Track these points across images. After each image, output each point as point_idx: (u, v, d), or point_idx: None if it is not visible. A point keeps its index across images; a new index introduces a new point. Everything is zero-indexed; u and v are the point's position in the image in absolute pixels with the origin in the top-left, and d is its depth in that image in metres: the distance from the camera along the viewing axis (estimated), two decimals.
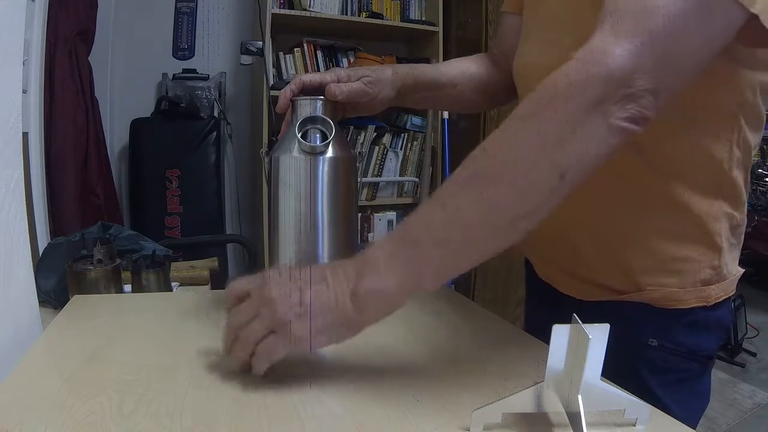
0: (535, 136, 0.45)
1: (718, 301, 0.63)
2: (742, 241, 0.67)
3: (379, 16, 2.37)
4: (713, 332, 0.64)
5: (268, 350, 0.49)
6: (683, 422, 0.63)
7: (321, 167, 0.64)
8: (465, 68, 0.83)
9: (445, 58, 2.45)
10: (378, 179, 2.42)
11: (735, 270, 0.65)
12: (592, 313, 0.68)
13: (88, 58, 2.01)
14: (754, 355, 2.58)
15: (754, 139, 0.60)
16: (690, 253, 0.61)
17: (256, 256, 1.73)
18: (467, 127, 2.51)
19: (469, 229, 0.47)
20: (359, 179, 0.71)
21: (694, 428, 0.65)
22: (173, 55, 2.51)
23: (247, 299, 0.51)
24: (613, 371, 0.61)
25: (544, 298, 0.77)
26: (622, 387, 0.53)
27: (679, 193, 0.59)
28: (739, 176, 0.61)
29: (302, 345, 0.49)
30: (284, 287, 0.49)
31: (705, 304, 0.62)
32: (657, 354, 0.64)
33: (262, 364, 0.50)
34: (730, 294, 0.65)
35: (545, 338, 0.63)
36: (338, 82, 0.69)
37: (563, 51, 0.63)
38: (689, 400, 0.66)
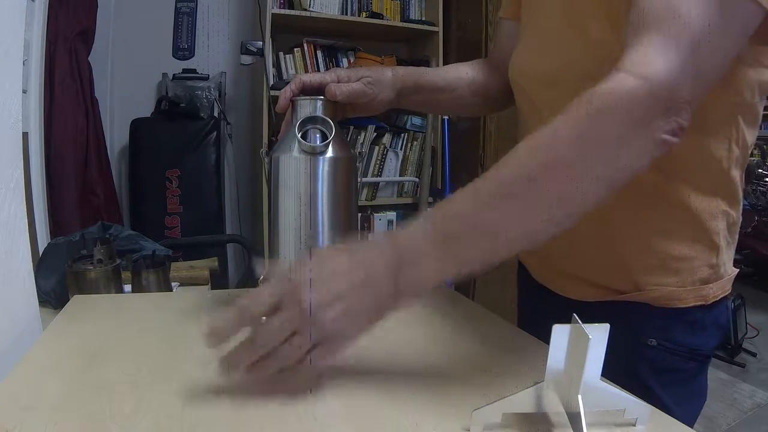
0: (583, 151, 0.45)
1: (716, 299, 0.63)
2: (737, 240, 0.68)
3: (379, 16, 2.37)
4: (711, 331, 0.64)
5: (320, 359, 0.47)
6: (682, 421, 0.64)
7: (321, 167, 0.64)
8: (464, 73, 0.84)
9: (445, 58, 2.45)
10: (378, 179, 2.42)
11: (731, 269, 0.66)
12: (590, 313, 0.68)
13: (88, 58, 2.01)
14: (754, 355, 2.58)
15: (751, 137, 0.61)
16: (689, 252, 0.62)
17: (256, 256, 1.73)
18: (467, 127, 2.51)
19: (509, 230, 0.47)
20: (359, 179, 0.71)
21: (692, 427, 0.66)
22: (173, 55, 2.51)
23: (280, 312, 0.46)
24: (612, 371, 0.61)
25: (538, 300, 0.77)
26: (621, 387, 0.53)
27: (679, 191, 0.60)
28: (737, 175, 0.62)
29: (346, 352, 0.48)
30: (323, 295, 0.45)
31: (704, 303, 0.63)
32: (656, 354, 0.64)
33: (309, 382, 0.48)
34: (727, 293, 0.65)
35: (542, 340, 0.63)
36: (338, 82, 0.69)
37: (561, 59, 0.63)
38: (688, 400, 0.67)
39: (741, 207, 0.65)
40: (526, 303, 0.86)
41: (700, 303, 0.62)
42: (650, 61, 0.44)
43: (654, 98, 0.44)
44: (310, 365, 0.47)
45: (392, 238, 0.48)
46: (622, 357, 0.65)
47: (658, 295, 0.62)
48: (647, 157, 0.46)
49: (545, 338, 0.67)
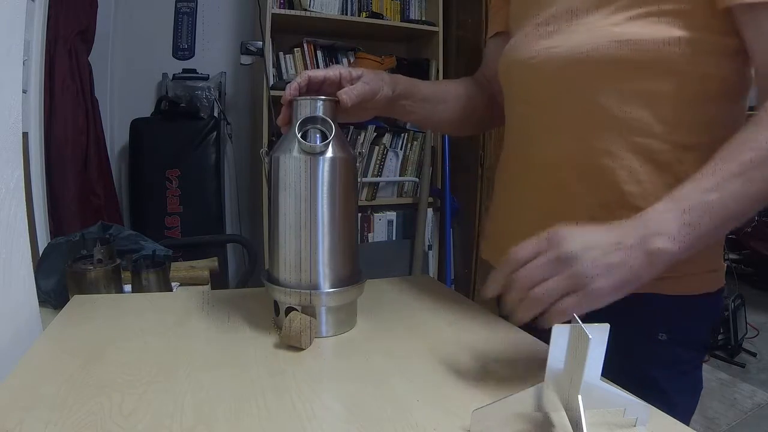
0: None
1: (719, 287, 0.67)
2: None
3: (379, 16, 2.37)
4: (710, 320, 0.68)
5: (568, 309, 0.49)
6: (685, 411, 0.65)
7: (321, 167, 0.64)
8: (452, 87, 0.86)
9: (445, 58, 2.45)
10: (378, 179, 2.42)
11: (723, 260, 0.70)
12: (596, 309, 0.68)
13: (88, 58, 2.01)
14: (754, 355, 2.58)
15: None
16: None
17: (256, 256, 1.73)
18: None
19: (747, 212, 0.52)
20: (359, 179, 0.71)
21: (692, 414, 0.67)
22: (173, 55, 2.51)
23: (539, 258, 0.51)
24: (620, 366, 0.61)
25: None
26: (627, 382, 0.53)
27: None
28: None
29: (600, 302, 0.50)
30: (583, 246, 0.50)
31: (711, 290, 0.66)
32: (665, 348, 0.65)
33: (558, 320, 0.49)
34: (724, 283, 0.68)
35: (543, 340, 0.63)
36: (340, 79, 0.69)
37: (570, 52, 0.64)
38: (690, 389, 0.69)
39: None
40: None
41: (707, 291, 0.65)
42: None
43: None
44: (563, 307, 0.49)
45: (640, 217, 0.52)
46: (629, 353, 0.66)
47: (674, 283, 0.64)
48: None
49: (546, 338, 0.67)
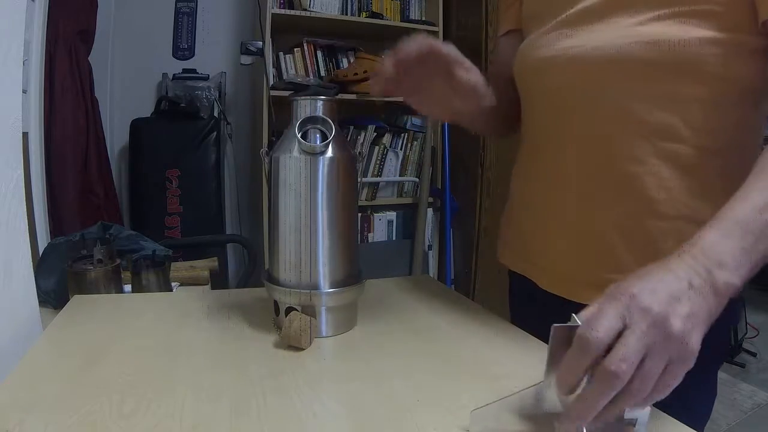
0: None
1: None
2: None
3: (379, 16, 2.37)
4: (732, 323, 0.66)
5: (673, 381, 0.41)
6: (704, 416, 0.63)
7: (321, 167, 0.64)
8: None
9: None
10: (378, 179, 2.42)
11: None
12: None
13: (88, 58, 2.01)
14: (754, 355, 2.57)
15: None
16: None
17: (256, 256, 1.73)
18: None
19: None
20: (359, 179, 0.71)
21: (707, 421, 0.65)
22: (173, 55, 2.51)
23: (628, 333, 0.40)
24: None
25: (546, 310, 0.75)
26: None
27: (703, 202, 0.61)
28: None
29: (694, 359, 0.42)
30: (667, 299, 0.41)
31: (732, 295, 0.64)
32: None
33: (665, 394, 0.42)
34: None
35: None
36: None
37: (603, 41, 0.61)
38: (708, 396, 0.67)
39: None
40: (530, 314, 0.84)
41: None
42: None
43: None
44: (668, 382, 0.41)
45: (697, 246, 0.46)
46: None
47: None
48: None
49: (545, 339, 0.66)
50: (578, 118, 0.66)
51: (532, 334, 0.67)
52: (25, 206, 0.75)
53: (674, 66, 0.57)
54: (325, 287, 0.65)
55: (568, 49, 0.65)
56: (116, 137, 2.39)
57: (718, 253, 0.45)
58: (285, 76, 2.28)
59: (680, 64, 0.57)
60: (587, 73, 0.61)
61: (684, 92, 0.59)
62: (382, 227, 2.49)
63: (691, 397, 0.63)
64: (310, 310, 0.65)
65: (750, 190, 0.48)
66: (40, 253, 1.08)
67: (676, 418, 0.48)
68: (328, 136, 0.64)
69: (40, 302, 0.81)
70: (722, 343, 0.65)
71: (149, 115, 2.30)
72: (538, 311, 0.77)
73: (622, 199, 0.63)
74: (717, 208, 0.61)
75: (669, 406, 0.48)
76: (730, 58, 0.57)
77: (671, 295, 0.41)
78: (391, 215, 2.50)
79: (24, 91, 1.44)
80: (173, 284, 1.13)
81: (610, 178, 0.64)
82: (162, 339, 0.63)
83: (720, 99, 0.59)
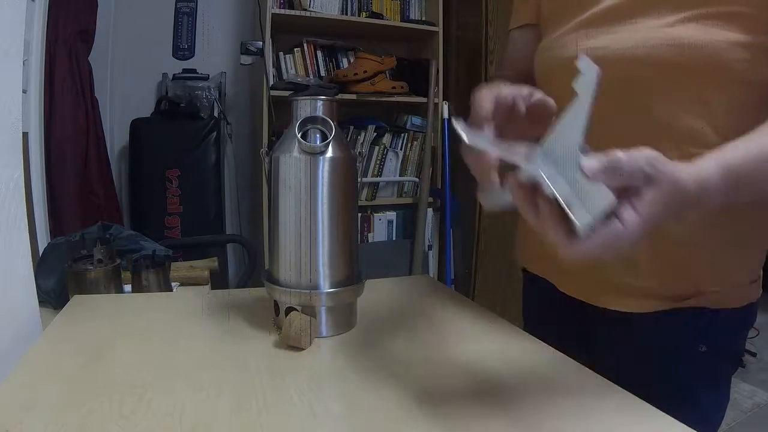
0: None
1: (758, 296, 0.65)
2: None
3: (379, 16, 2.37)
4: (747, 330, 0.66)
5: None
6: (714, 424, 0.64)
7: (321, 167, 0.64)
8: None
9: (445, 58, 2.45)
10: (378, 179, 2.42)
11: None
12: (628, 323, 0.66)
13: (88, 58, 2.01)
14: (754, 355, 2.58)
15: None
16: (747, 254, 0.64)
17: (256, 256, 1.73)
18: None
19: None
20: (359, 179, 0.71)
21: (719, 426, 0.66)
22: (173, 55, 2.51)
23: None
24: (662, 379, 0.60)
25: (567, 315, 0.75)
26: (664, 391, 0.52)
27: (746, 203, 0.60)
28: None
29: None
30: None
31: (753, 300, 0.64)
32: (706, 359, 0.64)
33: None
34: (761, 292, 0.66)
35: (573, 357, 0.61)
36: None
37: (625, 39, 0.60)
38: (722, 403, 0.67)
39: None
40: (538, 314, 0.84)
41: (749, 302, 0.64)
42: None
43: None
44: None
45: (701, 186, 0.46)
46: (671, 366, 0.64)
47: (719, 297, 0.62)
48: None
49: (544, 339, 0.66)
50: (602, 121, 0.65)
51: (546, 334, 0.67)
52: (25, 206, 0.75)
53: (700, 69, 0.56)
54: (325, 287, 0.65)
55: (592, 50, 0.63)
56: (116, 137, 2.39)
57: (708, 198, 0.46)
58: (285, 76, 2.28)
59: (706, 67, 0.56)
60: (611, 75, 0.60)
61: (710, 96, 0.57)
62: (382, 227, 2.49)
63: (704, 405, 0.63)
64: (310, 310, 0.65)
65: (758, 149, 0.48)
66: (40, 253, 1.08)
67: (689, 426, 0.47)
68: (328, 136, 0.64)
69: (40, 302, 0.81)
70: (737, 351, 0.66)
71: (149, 115, 2.30)
72: (557, 314, 0.77)
73: None
74: (740, 215, 0.61)
75: (684, 413, 0.48)
76: (758, 62, 0.55)
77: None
78: (391, 215, 2.50)
79: (24, 91, 1.44)
80: (173, 284, 1.13)
81: None
82: (162, 339, 0.63)
83: (747, 103, 0.58)
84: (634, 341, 0.67)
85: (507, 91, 0.53)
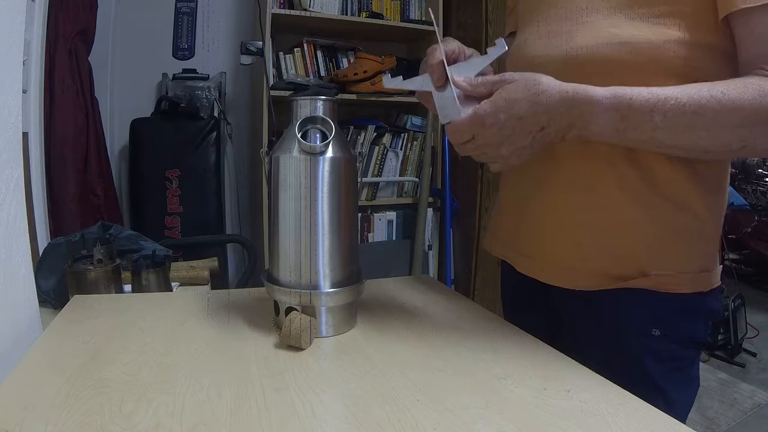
0: (739, 116, 0.54)
1: (713, 287, 0.67)
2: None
3: (379, 16, 2.37)
4: (707, 319, 0.68)
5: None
6: (681, 408, 0.66)
7: (321, 167, 0.64)
8: None
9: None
10: (378, 179, 2.42)
11: (718, 261, 0.70)
12: (587, 303, 0.69)
13: (88, 58, 2.01)
14: (754, 355, 2.58)
15: None
16: (695, 241, 0.65)
17: (256, 256, 1.73)
18: None
19: (671, 137, 0.57)
20: (359, 179, 0.71)
21: (689, 411, 0.67)
22: (173, 55, 2.51)
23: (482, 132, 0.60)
24: (616, 362, 0.61)
25: (524, 294, 0.79)
26: (625, 378, 0.54)
27: (693, 189, 0.63)
28: (729, 170, 0.68)
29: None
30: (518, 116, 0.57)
31: (703, 290, 0.66)
32: (659, 343, 0.66)
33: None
34: (718, 283, 0.68)
35: (527, 331, 0.64)
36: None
37: (570, 44, 0.65)
38: (686, 385, 0.69)
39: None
40: (513, 300, 0.87)
41: (699, 290, 0.65)
42: None
43: None
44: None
45: (581, 101, 0.57)
46: (625, 349, 0.66)
47: (663, 281, 0.64)
48: None
49: (530, 330, 0.68)
50: None
51: (516, 315, 0.70)
52: (25, 206, 0.75)
53: (644, 66, 0.60)
54: (325, 287, 0.65)
55: (546, 50, 0.68)
56: (116, 137, 2.39)
57: (592, 124, 0.58)
58: (285, 76, 2.28)
59: (649, 64, 0.60)
60: (565, 73, 0.63)
61: None
62: (382, 227, 2.49)
63: (671, 395, 0.65)
64: (310, 310, 0.65)
65: (658, 102, 0.55)
66: (40, 253, 1.08)
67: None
68: (328, 136, 0.64)
69: (40, 302, 0.81)
70: (696, 337, 0.68)
71: (149, 115, 2.30)
72: (527, 297, 0.80)
73: (608, 189, 0.66)
74: (710, 192, 0.64)
75: (646, 396, 0.50)
76: (697, 58, 0.59)
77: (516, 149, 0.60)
78: (391, 215, 2.50)
79: (24, 91, 1.44)
80: (173, 284, 1.13)
81: (584, 175, 0.67)
82: (162, 339, 0.63)
83: None
84: (594, 319, 0.70)
85: (454, 44, 0.67)
